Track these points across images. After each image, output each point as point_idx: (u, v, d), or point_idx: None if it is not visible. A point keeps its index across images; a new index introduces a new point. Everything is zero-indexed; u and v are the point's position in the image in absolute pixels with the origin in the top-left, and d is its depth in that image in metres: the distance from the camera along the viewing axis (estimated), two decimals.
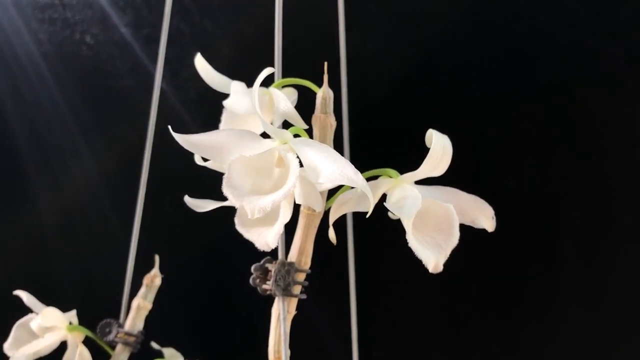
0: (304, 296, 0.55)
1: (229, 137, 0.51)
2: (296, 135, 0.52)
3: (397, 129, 1.06)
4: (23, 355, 0.68)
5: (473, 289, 1.06)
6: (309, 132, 0.54)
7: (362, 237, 0.81)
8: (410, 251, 0.50)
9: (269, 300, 0.56)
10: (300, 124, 0.55)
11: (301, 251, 0.55)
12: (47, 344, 0.69)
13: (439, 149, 0.52)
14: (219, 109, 0.66)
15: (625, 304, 1.03)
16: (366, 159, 0.58)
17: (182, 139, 0.50)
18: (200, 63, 0.67)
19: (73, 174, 1.14)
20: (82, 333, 0.70)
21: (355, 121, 0.79)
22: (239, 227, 0.50)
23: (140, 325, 0.72)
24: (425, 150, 0.52)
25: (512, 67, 1.06)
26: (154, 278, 0.73)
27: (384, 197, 0.54)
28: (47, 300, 0.71)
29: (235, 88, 0.63)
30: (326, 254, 0.58)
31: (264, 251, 0.50)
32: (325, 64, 0.56)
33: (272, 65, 0.58)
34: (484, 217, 0.55)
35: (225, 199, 0.48)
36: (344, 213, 0.56)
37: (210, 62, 0.67)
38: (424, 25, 1.07)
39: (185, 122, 1.08)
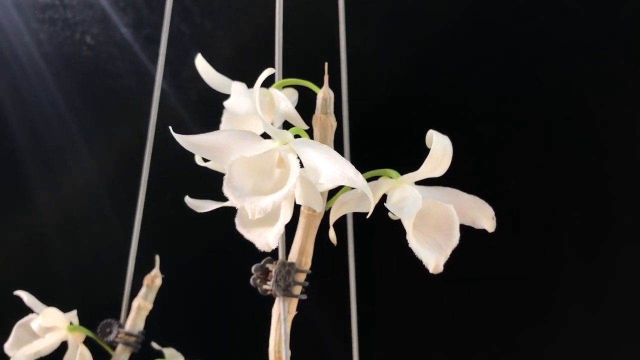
0: (304, 296, 0.55)
1: (230, 138, 0.51)
2: (297, 136, 0.52)
3: (397, 129, 1.06)
4: (24, 355, 0.68)
5: (473, 289, 1.06)
6: (310, 133, 0.54)
7: (362, 237, 0.81)
8: (410, 252, 0.50)
9: (269, 300, 0.56)
10: (300, 124, 0.55)
11: (302, 251, 0.55)
12: (47, 344, 0.69)
13: (440, 150, 0.52)
14: (219, 109, 0.66)
15: (625, 304, 1.03)
16: (366, 159, 0.58)
17: (182, 140, 0.50)
18: (201, 63, 0.67)
19: (73, 174, 1.14)
20: (82, 333, 0.70)
21: (356, 121, 0.79)
22: (240, 228, 0.50)
23: (140, 326, 0.72)
24: (426, 150, 0.52)
25: (512, 67, 1.06)
26: (154, 278, 0.73)
27: (384, 198, 0.54)
28: (47, 301, 0.71)
29: (235, 89, 0.63)
30: (326, 254, 0.58)
31: (264, 251, 0.50)
32: (326, 64, 0.56)
33: (273, 66, 0.58)
34: (484, 218, 0.55)
35: (225, 199, 0.48)
36: (344, 213, 0.56)
37: (211, 63, 0.67)
38: (424, 25, 1.07)
39: (186, 123, 1.08)
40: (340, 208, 0.55)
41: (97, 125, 1.13)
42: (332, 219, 0.55)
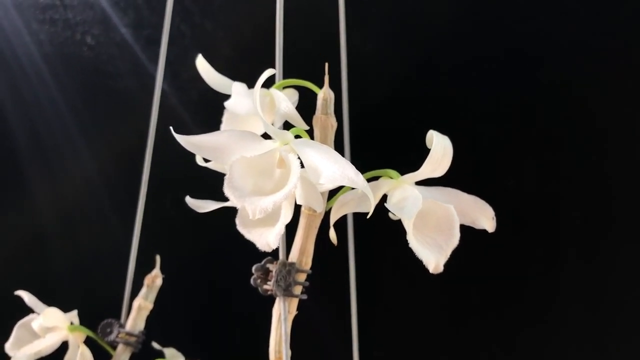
0: (304, 296, 0.55)
1: (230, 138, 0.51)
2: (297, 136, 0.52)
3: (398, 130, 1.06)
4: (24, 355, 0.68)
5: (473, 289, 1.06)
6: (310, 133, 0.54)
7: (362, 237, 0.82)
8: (410, 252, 0.50)
9: (269, 300, 0.56)
10: (301, 124, 0.55)
11: (302, 251, 0.55)
12: (48, 344, 0.69)
13: (440, 150, 0.52)
14: (220, 109, 0.66)
15: (625, 304, 1.03)
16: (367, 159, 0.58)
17: (183, 140, 0.50)
18: (202, 64, 0.67)
19: (73, 174, 1.14)
20: (83, 333, 0.70)
21: (356, 122, 0.79)
22: (240, 228, 0.50)
23: (141, 326, 0.72)
24: (426, 150, 0.52)
25: (512, 67, 1.06)
26: (155, 278, 0.73)
27: (384, 198, 0.54)
28: (47, 301, 0.71)
29: (236, 89, 0.64)
30: (327, 254, 0.58)
31: (264, 251, 0.50)
32: (326, 64, 0.56)
33: (273, 66, 0.58)
34: (485, 218, 0.55)
35: (226, 199, 0.48)
36: (344, 214, 0.56)
37: (211, 63, 0.68)
38: (424, 25, 1.07)
39: (186, 123, 1.09)
40: (341, 208, 0.55)
41: (98, 125, 1.13)
42: (333, 219, 0.56)
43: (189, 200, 0.61)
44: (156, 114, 0.76)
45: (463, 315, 1.07)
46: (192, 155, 0.56)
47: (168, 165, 0.81)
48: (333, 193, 0.55)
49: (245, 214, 0.47)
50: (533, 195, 1.05)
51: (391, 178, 0.54)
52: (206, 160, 0.57)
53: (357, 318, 0.78)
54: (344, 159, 0.48)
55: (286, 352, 0.54)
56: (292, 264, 0.55)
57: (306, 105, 0.60)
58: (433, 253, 0.50)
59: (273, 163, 0.50)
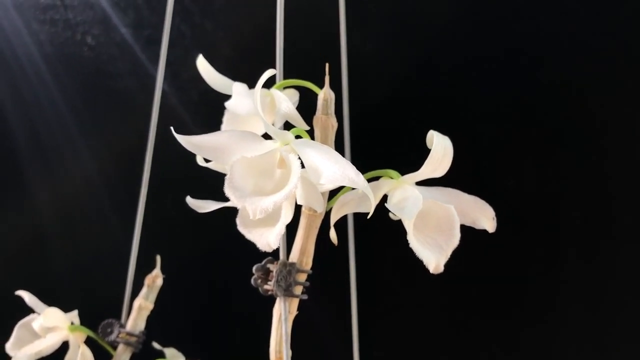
0: (305, 296, 0.55)
1: (231, 138, 0.51)
2: (298, 137, 0.52)
3: (398, 130, 1.06)
4: (25, 355, 0.68)
5: (473, 289, 1.06)
6: (311, 133, 0.54)
7: (363, 237, 0.82)
8: (411, 252, 0.50)
9: (270, 300, 0.56)
10: (301, 125, 0.55)
11: (302, 252, 0.55)
12: (49, 344, 0.69)
13: (440, 150, 0.52)
14: (220, 110, 0.66)
15: (625, 304, 1.03)
16: (367, 159, 0.58)
17: (184, 140, 0.50)
18: (202, 64, 0.67)
19: (74, 174, 1.14)
20: (83, 333, 0.71)
21: (356, 122, 0.79)
22: (241, 228, 0.51)
23: (141, 326, 0.72)
24: (426, 150, 0.52)
25: (512, 67, 1.06)
26: (155, 278, 0.73)
27: (385, 198, 0.54)
28: (47, 301, 0.71)
29: (237, 89, 0.64)
30: (327, 254, 0.58)
31: (265, 252, 0.50)
32: (327, 65, 0.56)
33: (273, 66, 0.58)
34: (485, 218, 0.55)
35: (226, 199, 0.48)
36: (345, 214, 0.56)
37: (211, 63, 0.68)
38: (424, 25, 1.07)
39: (186, 123, 1.09)
40: (341, 208, 0.55)
41: (98, 125, 1.13)
42: (333, 219, 0.56)
43: (189, 200, 0.61)
44: (156, 114, 0.76)
45: (463, 316, 1.07)
46: (192, 156, 0.56)
47: (168, 165, 0.81)
48: (333, 193, 0.55)
49: (246, 214, 0.47)
50: (533, 195, 1.05)
51: (391, 178, 0.54)
52: (207, 161, 0.57)
53: (358, 318, 0.78)
54: (344, 159, 0.48)
55: (287, 352, 0.54)
56: (293, 264, 0.55)
57: (306, 106, 0.60)
58: (433, 253, 0.50)
59: (274, 163, 0.50)
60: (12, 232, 1.13)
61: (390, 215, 0.54)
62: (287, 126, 0.55)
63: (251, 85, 0.63)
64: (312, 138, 0.54)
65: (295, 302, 0.55)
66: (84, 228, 1.13)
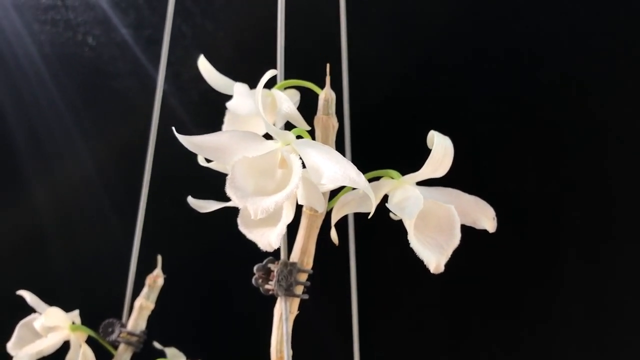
0: (306, 296, 0.55)
1: (232, 139, 0.51)
2: (299, 137, 0.52)
3: (398, 130, 1.07)
4: (26, 354, 0.68)
5: (474, 289, 1.06)
6: (312, 134, 0.55)
7: (363, 237, 0.82)
8: (411, 252, 0.50)
9: (270, 300, 0.56)
10: (302, 125, 0.55)
11: (303, 251, 0.55)
12: (50, 343, 0.69)
13: (441, 151, 0.52)
14: (220, 110, 0.67)
15: (626, 304, 1.03)
16: (368, 159, 0.58)
17: (185, 140, 0.51)
18: (204, 65, 0.67)
19: (74, 174, 1.14)
20: (84, 333, 0.71)
21: (356, 122, 0.79)
22: (242, 228, 0.50)
23: (142, 325, 0.72)
24: (427, 150, 0.52)
25: (512, 67, 1.06)
26: (156, 278, 0.73)
27: (385, 198, 0.54)
28: (47, 301, 0.71)
29: (238, 90, 0.64)
30: (328, 254, 0.58)
31: (266, 251, 0.50)
32: (328, 65, 0.56)
33: (273, 66, 0.59)
34: (485, 218, 0.55)
35: (227, 199, 0.48)
36: (346, 214, 0.56)
37: (212, 64, 0.68)
38: (424, 25, 1.08)
39: (186, 123, 1.09)
40: (342, 208, 0.56)
41: (98, 125, 1.13)
42: (334, 219, 0.56)
43: (190, 200, 0.61)
44: (157, 114, 0.76)
45: (463, 316, 1.07)
46: (193, 155, 0.56)
47: (168, 165, 0.82)
48: (334, 193, 0.55)
49: (247, 214, 0.47)
50: (533, 195, 1.05)
51: (392, 178, 0.54)
52: (208, 161, 0.57)
53: (358, 318, 0.78)
54: (345, 159, 0.48)
55: (287, 352, 0.54)
56: (294, 263, 0.55)
57: (307, 106, 0.60)
58: (434, 253, 0.50)
59: (275, 163, 0.50)
60: (12, 232, 1.13)
61: (391, 215, 0.54)
62: (288, 126, 0.55)
63: (252, 85, 0.63)
64: (313, 138, 0.54)
65: (296, 302, 0.55)
66: (84, 228, 1.13)
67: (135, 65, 1.10)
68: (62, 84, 1.12)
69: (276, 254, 0.53)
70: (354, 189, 0.54)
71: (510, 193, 1.05)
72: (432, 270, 0.50)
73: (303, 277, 0.55)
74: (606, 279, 1.04)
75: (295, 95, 0.66)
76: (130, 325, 0.72)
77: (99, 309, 0.73)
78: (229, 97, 0.65)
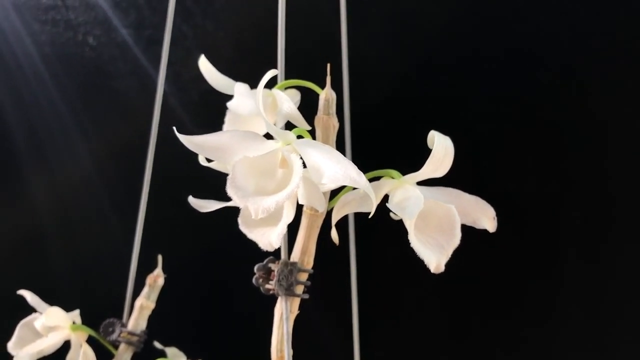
0: (306, 296, 0.55)
1: (233, 138, 0.51)
2: (299, 137, 0.52)
3: (399, 129, 1.07)
4: (27, 354, 0.68)
5: (474, 289, 1.06)
6: (312, 133, 0.55)
7: (364, 237, 0.82)
8: (412, 252, 0.50)
9: (271, 300, 0.56)
10: (303, 125, 0.55)
11: (304, 251, 0.55)
12: (50, 343, 0.69)
13: (441, 150, 0.52)
14: (220, 110, 0.67)
15: (625, 304, 1.03)
16: (368, 159, 0.58)
17: (186, 140, 0.51)
18: (204, 65, 0.67)
19: (74, 174, 1.14)
20: (85, 332, 0.71)
21: (356, 121, 0.79)
22: (243, 227, 0.51)
23: (143, 325, 0.72)
24: (427, 150, 0.52)
25: (512, 67, 1.06)
26: (156, 278, 0.73)
27: (386, 198, 0.54)
28: (47, 301, 0.71)
29: (239, 90, 0.64)
30: (328, 254, 0.59)
31: (266, 251, 0.50)
32: (329, 65, 0.56)
33: (274, 66, 0.59)
34: (486, 218, 0.55)
35: (227, 199, 0.48)
36: (346, 213, 0.56)
37: (212, 64, 0.68)
38: (424, 25, 1.08)
39: (187, 123, 1.09)
40: (343, 208, 0.56)
41: (99, 125, 1.13)
42: (335, 218, 0.56)
43: (191, 200, 0.61)
44: (158, 114, 0.76)
45: (464, 316, 1.07)
46: (193, 156, 0.56)
47: (168, 165, 0.82)
48: (335, 193, 0.55)
49: (248, 213, 0.47)
50: (533, 195, 1.06)
51: (393, 178, 0.54)
52: (209, 160, 0.57)
53: (359, 318, 0.78)
54: (346, 159, 0.48)
55: (288, 352, 0.54)
56: (294, 263, 0.55)
57: (308, 106, 0.60)
58: (434, 253, 0.50)
59: (275, 163, 0.50)
60: (12, 232, 1.13)
61: (392, 215, 0.54)
62: (289, 126, 0.55)
63: (252, 85, 0.63)
64: (314, 138, 0.54)
65: (296, 302, 0.55)
66: (84, 228, 1.13)
67: (136, 65, 1.10)
68: (62, 84, 1.12)
69: (277, 253, 0.53)
70: (354, 188, 0.54)
71: (510, 193, 1.05)
72: (432, 270, 0.50)
73: (303, 277, 0.55)
74: (606, 279, 1.04)
75: (296, 95, 0.66)
76: (130, 325, 0.72)
77: (99, 308, 0.73)
78: (229, 97, 0.65)
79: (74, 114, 1.12)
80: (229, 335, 1.11)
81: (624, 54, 1.03)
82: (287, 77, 0.62)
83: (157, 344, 0.77)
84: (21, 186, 1.13)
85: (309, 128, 0.55)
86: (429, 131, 0.53)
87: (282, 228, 0.49)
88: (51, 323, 0.68)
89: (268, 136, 0.52)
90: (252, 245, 0.50)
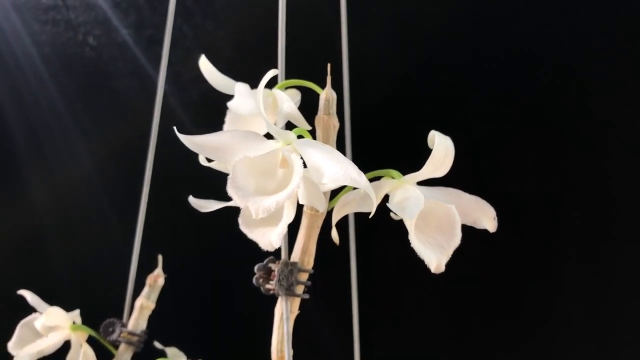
0: (306, 296, 0.55)
1: (233, 138, 0.51)
2: (300, 136, 0.52)
3: (399, 129, 1.07)
4: (27, 354, 0.68)
5: (474, 289, 1.06)
6: (312, 133, 0.55)
7: (364, 237, 0.82)
8: (412, 252, 0.50)
9: (271, 300, 0.56)
10: (303, 125, 0.55)
11: (304, 251, 0.55)
12: (50, 343, 0.69)
13: (442, 150, 0.52)
14: (220, 110, 0.67)
15: (626, 304, 1.03)
16: (368, 159, 0.58)
17: (187, 140, 0.51)
18: (205, 65, 0.67)
19: (74, 174, 1.14)
20: (85, 332, 0.71)
21: (357, 121, 0.79)
22: (243, 227, 0.50)
23: (143, 325, 0.72)
24: (427, 150, 0.52)
25: (512, 67, 1.06)
26: (157, 278, 0.73)
27: (386, 198, 0.54)
28: (47, 301, 0.71)
29: (239, 89, 0.64)
30: (329, 254, 0.59)
31: (267, 251, 0.50)
32: (329, 65, 0.56)
33: (274, 66, 0.59)
34: (486, 218, 0.55)
35: (227, 199, 0.48)
36: (346, 213, 0.56)
37: (213, 64, 0.68)
38: (424, 25, 1.08)
39: (187, 123, 1.09)
40: (343, 208, 0.56)
41: (99, 125, 1.13)
42: (335, 218, 0.56)
43: (192, 199, 0.61)
44: (158, 114, 0.76)
45: (464, 315, 1.07)
46: (193, 156, 0.56)
47: (169, 165, 0.82)
48: (335, 193, 0.55)
49: (249, 213, 0.47)
50: (533, 195, 1.06)
51: (393, 178, 0.54)
52: (209, 160, 0.57)
53: (359, 318, 0.78)
54: (346, 158, 0.48)
55: (288, 352, 0.54)
56: (294, 263, 0.55)
57: (308, 106, 0.60)
58: (435, 253, 0.50)
59: (276, 163, 0.50)
60: (12, 232, 1.13)
61: (392, 215, 0.54)
62: (289, 126, 0.55)
63: (252, 85, 0.63)
64: (314, 138, 0.54)
65: (296, 302, 0.55)
66: (84, 228, 1.13)
67: (136, 65, 1.10)
68: (62, 84, 1.12)
69: (277, 253, 0.53)
70: (354, 188, 0.54)
71: (510, 193, 1.05)
72: (432, 270, 0.50)
73: (304, 277, 0.55)
74: (606, 279, 1.04)
75: (296, 95, 0.66)
76: (131, 325, 0.72)
77: (99, 308, 0.73)
78: (229, 97, 0.65)
79: (74, 114, 1.12)
80: (229, 335, 1.11)
81: (624, 54, 1.03)
82: (287, 77, 0.62)
83: (157, 344, 0.77)
84: (21, 186, 1.13)
85: (310, 128, 0.55)
86: (429, 131, 0.53)
87: (282, 228, 0.49)
88: (51, 323, 0.68)
89: (268, 136, 0.52)
90: (253, 245, 0.50)
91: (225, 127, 0.66)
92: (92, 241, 1.12)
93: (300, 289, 0.55)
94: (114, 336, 0.71)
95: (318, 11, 1.01)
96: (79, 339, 0.70)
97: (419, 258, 0.50)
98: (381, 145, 1.06)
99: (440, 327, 1.08)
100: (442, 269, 0.50)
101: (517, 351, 1.06)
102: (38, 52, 1.12)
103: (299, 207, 0.54)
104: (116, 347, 0.71)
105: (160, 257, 0.74)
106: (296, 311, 0.56)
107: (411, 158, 0.55)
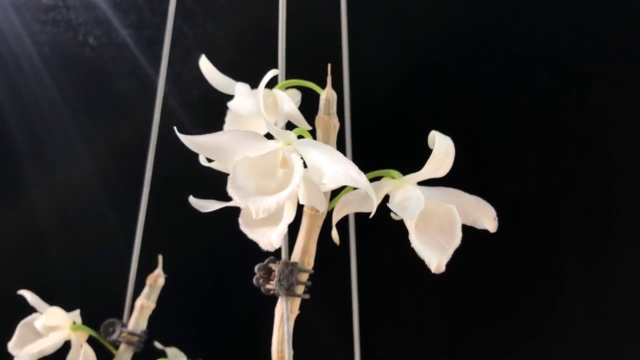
0: (307, 296, 0.55)
1: (234, 138, 0.51)
2: (300, 137, 0.52)
3: (399, 129, 1.07)
4: (27, 354, 0.68)
5: (474, 289, 1.06)
6: (313, 133, 0.55)
7: (364, 237, 0.82)
8: (412, 252, 0.50)
9: (271, 300, 0.56)
10: (303, 125, 0.55)
11: (304, 251, 0.55)
12: (51, 343, 0.69)
13: (442, 151, 0.52)
14: (220, 110, 0.67)
15: (626, 304, 1.03)
16: (368, 159, 0.58)
17: (187, 140, 0.51)
18: (205, 65, 0.67)
19: (74, 175, 1.14)
20: (85, 332, 0.71)
21: (357, 121, 0.79)
22: (243, 227, 0.50)
23: (143, 325, 0.72)
24: (428, 150, 0.52)
25: (512, 67, 1.06)
26: (157, 278, 0.73)
27: (386, 198, 0.54)
28: (47, 301, 0.71)
29: (239, 89, 0.64)
30: (329, 254, 0.59)
31: (267, 251, 0.50)
32: (329, 65, 0.56)
33: (274, 66, 0.59)
34: (486, 218, 0.55)
35: (228, 199, 0.48)
36: (347, 213, 0.56)
37: (213, 64, 0.68)
38: (424, 25, 1.08)
39: (187, 124, 1.09)
40: (343, 208, 0.56)
41: (98, 125, 1.13)
42: (335, 219, 0.56)
43: (192, 200, 0.61)
44: (158, 114, 0.76)
45: (464, 316, 1.07)
46: (193, 156, 0.56)
47: (169, 165, 0.82)
48: (335, 193, 0.55)
49: (249, 213, 0.47)
50: (533, 195, 1.06)
51: (393, 178, 0.54)
52: (209, 160, 0.57)
53: (359, 318, 0.78)
54: (346, 159, 0.48)
55: (288, 352, 0.54)
56: (295, 263, 0.55)
57: (308, 106, 0.60)
58: (435, 253, 0.50)
59: (276, 163, 0.50)
60: (12, 232, 1.13)
61: (392, 215, 0.54)
62: (290, 126, 0.55)
63: (253, 85, 0.63)
64: (314, 138, 0.54)
65: (297, 302, 0.55)
66: (84, 228, 1.13)
67: (136, 65, 1.10)
68: (62, 84, 1.12)
69: (277, 253, 0.53)
70: (355, 188, 0.54)
71: (511, 193, 1.05)
72: (433, 270, 0.50)
73: (304, 277, 0.55)
74: (606, 280, 1.04)
75: (297, 95, 0.66)
76: (131, 325, 0.72)
77: (99, 308, 0.73)
78: (230, 97, 0.65)
79: (73, 114, 1.12)
80: (229, 335, 1.11)
81: (624, 54, 1.03)
82: (287, 77, 0.62)
83: (157, 344, 0.77)
84: (21, 186, 1.13)
85: (310, 128, 0.55)
86: (429, 131, 0.53)
87: (282, 228, 0.49)
88: (51, 323, 0.68)
89: (269, 136, 0.52)
90: (253, 245, 0.50)
91: (226, 127, 0.66)
92: (92, 241, 1.12)
93: (300, 289, 0.55)
94: (114, 336, 0.71)
95: (318, 11, 1.01)
96: (79, 339, 0.70)
97: (419, 258, 0.50)
98: (381, 145, 1.06)
99: (440, 327, 1.08)
100: (443, 269, 0.50)
101: (517, 351, 1.06)
102: (38, 52, 1.12)
103: (299, 207, 0.54)
104: (116, 347, 0.71)
105: (160, 257, 0.74)
106: (296, 311, 0.56)
107: (411, 158, 0.55)
